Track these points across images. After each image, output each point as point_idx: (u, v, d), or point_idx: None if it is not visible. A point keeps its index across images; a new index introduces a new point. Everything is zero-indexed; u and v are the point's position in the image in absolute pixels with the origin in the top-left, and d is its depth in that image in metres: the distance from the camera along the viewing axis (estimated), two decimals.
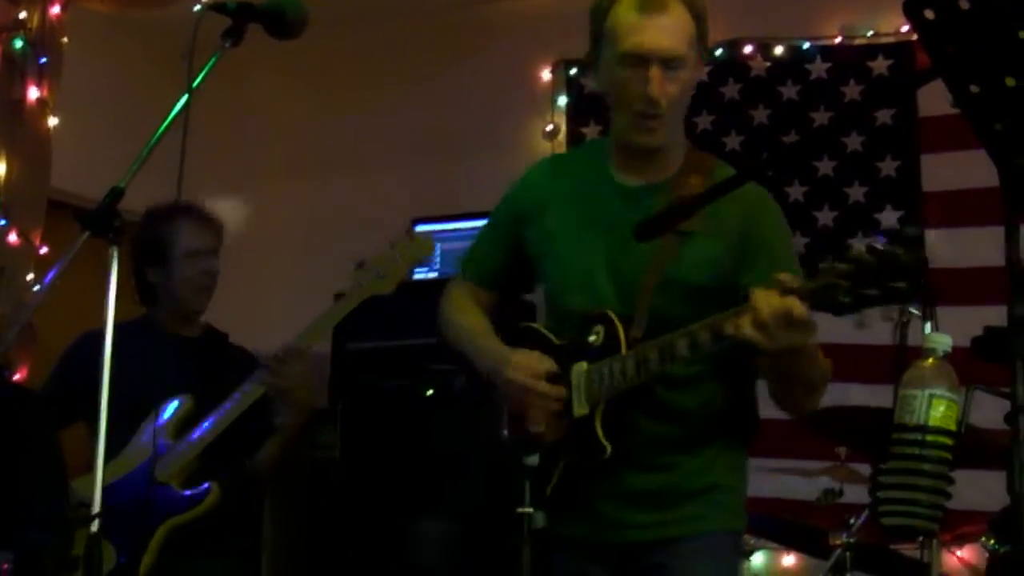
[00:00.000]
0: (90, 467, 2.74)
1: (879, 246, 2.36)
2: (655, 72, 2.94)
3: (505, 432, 3.13)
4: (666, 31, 2.94)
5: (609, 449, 2.90)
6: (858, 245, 2.44)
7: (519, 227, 3.25)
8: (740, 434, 3.14)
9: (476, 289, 3.38)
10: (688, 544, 2.98)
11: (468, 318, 3.33)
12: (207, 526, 4.09)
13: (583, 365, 2.97)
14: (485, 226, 3.42)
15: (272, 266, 7.36)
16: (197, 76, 2.97)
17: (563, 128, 6.90)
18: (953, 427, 2.30)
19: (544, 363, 3.03)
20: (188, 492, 4.07)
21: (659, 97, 2.95)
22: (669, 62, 2.94)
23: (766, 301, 2.57)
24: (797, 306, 2.54)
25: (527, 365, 3.04)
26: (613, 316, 2.96)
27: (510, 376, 3.04)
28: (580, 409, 2.95)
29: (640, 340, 2.91)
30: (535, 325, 3.25)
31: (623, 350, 2.91)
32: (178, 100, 2.97)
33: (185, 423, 4.15)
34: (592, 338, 2.98)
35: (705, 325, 2.74)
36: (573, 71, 6.89)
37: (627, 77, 2.98)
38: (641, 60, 2.95)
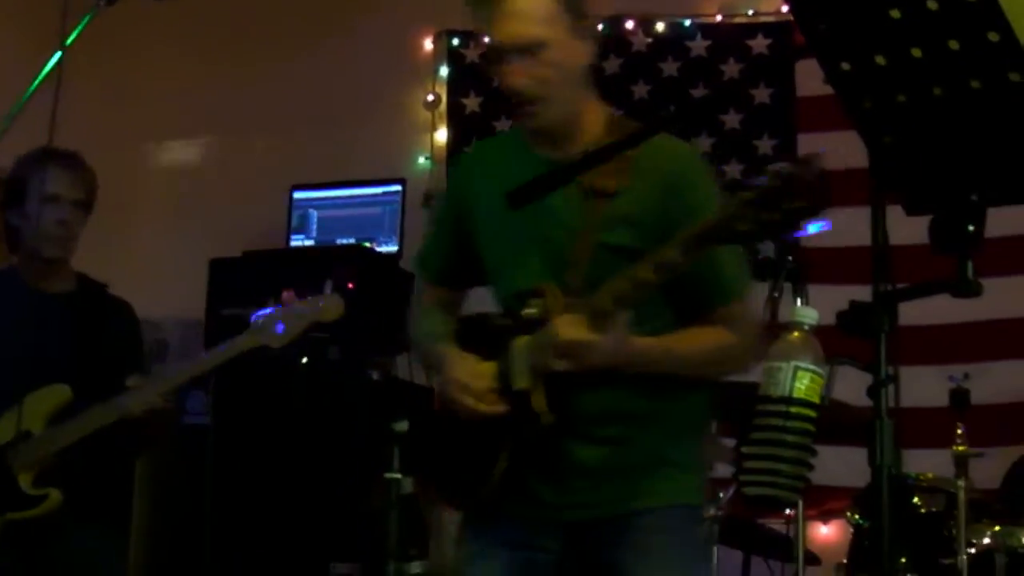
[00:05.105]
0: None
1: (780, 168, 2.37)
2: (513, 65, 2.90)
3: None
4: (513, 17, 2.90)
5: (551, 417, 2.84)
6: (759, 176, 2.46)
7: (460, 222, 3.21)
8: (690, 411, 3.09)
9: (435, 288, 3.32)
10: (640, 519, 2.94)
11: (426, 322, 3.28)
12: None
13: (523, 339, 2.91)
14: (431, 224, 3.42)
15: (146, 227, 7.27)
16: (71, 34, 2.94)
17: (444, 98, 6.92)
18: (817, 399, 2.33)
19: (482, 381, 2.97)
20: (29, 493, 3.93)
21: (521, 88, 2.91)
22: (524, 49, 2.89)
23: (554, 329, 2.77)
24: (560, 332, 2.74)
25: (467, 386, 2.97)
26: (548, 288, 2.92)
27: (452, 395, 2.98)
28: (520, 382, 2.89)
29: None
30: (482, 312, 3.20)
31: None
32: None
33: (57, 414, 4.01)
34: (530, 311, 2.94)
35: None
36: (455, 42, 6.91)
37: (496, 72, 2.97)
38: (498, 54, 2.93)
